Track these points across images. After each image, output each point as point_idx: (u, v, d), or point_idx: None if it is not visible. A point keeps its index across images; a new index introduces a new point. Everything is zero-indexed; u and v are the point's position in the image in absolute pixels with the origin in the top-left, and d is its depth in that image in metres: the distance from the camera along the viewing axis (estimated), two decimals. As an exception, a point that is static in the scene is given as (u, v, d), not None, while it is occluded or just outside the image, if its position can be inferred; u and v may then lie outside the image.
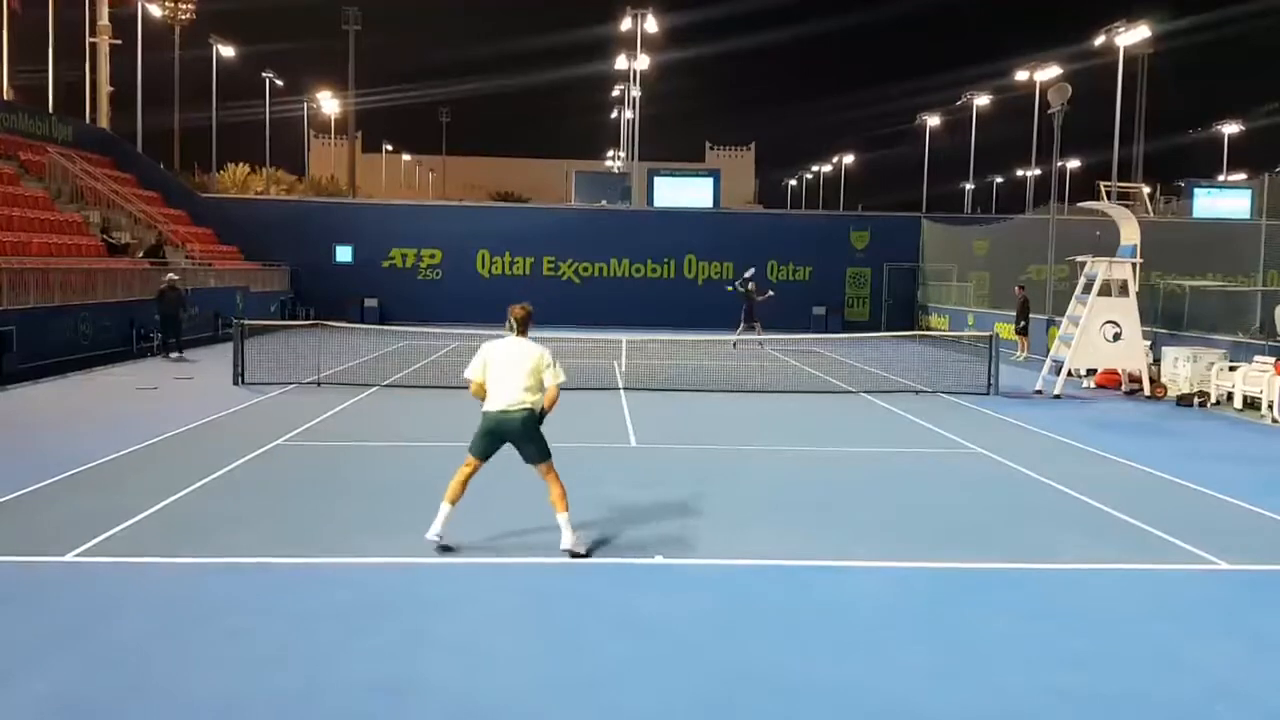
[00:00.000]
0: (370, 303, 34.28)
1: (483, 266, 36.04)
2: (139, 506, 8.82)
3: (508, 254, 36.04)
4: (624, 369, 19.81)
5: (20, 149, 29.24)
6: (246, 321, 18.59)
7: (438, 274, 35.93)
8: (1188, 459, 12.42)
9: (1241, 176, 59.00)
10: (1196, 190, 41.66)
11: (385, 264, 35.68)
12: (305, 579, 7.19)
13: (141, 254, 27.83)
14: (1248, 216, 34.19)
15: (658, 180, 38.30)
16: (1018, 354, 25.16)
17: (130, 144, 38.92)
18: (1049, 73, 48.53)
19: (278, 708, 5.19)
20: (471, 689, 5.44)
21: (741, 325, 26.62)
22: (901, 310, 36.20)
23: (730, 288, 28.98)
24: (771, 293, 27.61)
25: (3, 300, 18.86)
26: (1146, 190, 39.06)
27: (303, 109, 70.94)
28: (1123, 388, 19.06)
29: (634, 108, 48.17)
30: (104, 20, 42.40)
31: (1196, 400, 17.27)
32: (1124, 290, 18.53)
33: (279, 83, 59.79)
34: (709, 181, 38.80)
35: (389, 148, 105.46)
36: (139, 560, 7.48)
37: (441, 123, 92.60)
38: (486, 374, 7.65)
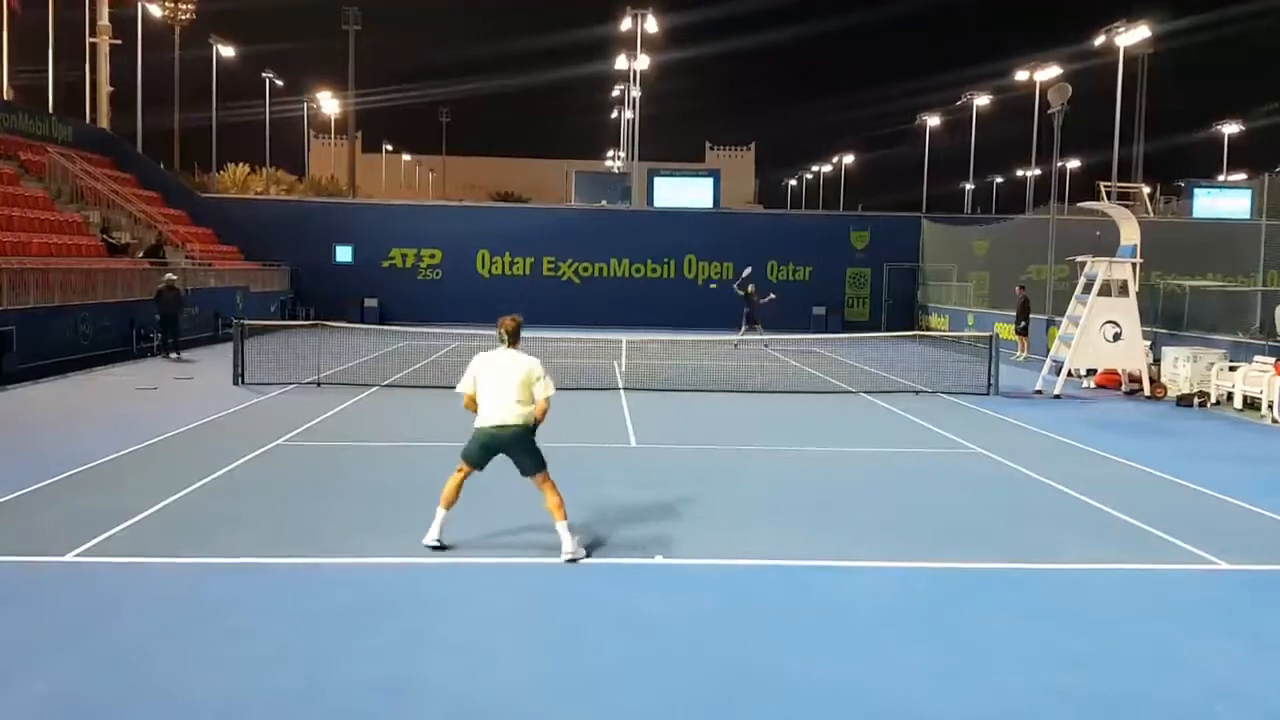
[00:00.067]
0: (370, 303, 34.28)
1: (483, 266, 36.04)
2: (139, 506, 8.82)
3: (508, 254, 36.04)
4: (624, 369, 19.81)
5: (20, 149, 29.24)
6: (246, 321, 18.59)
7: (438, 274, 35.93)
8: (1188, 459, 12.42)
9: (1241, 176, 59.02)
10: (1196, 190, 41.65)
11: (385, 264, 35.68)
12: (305, 579, 7.19)
13: (141, 254, 27.83)
14: (1248, 216, 34.18)
15: (658, 180, 38.29)
16: (1018, 354, 25.16)
17: (130, 144, 38.93)
18: (1049, 73, 48.54)
19: (278, 708, 5.19)
20: (471, 689, 5.44)
21: (744, 327, 26.64)
22: (901, 310, 36.20)
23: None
24: (773, 295, 27.57)
25: (3, 300, 18.86)
26: (1146, 190, 39.11)
27: (303, 109, 71.00)
28: (1123, 388, 19.06)
29: (634, 108, 48.19)
30: (104, 20, 42.41)
31: (1196, 400, 17.27)
32: (1124, 290, 18.53)
33: (279, 83, 59.81)
34: (709, 181, 38.79)
35: (389, 148, 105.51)
36: (139, 560, 7.48)
37: (441, 123, 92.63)
38: (477, 387, 7.66)
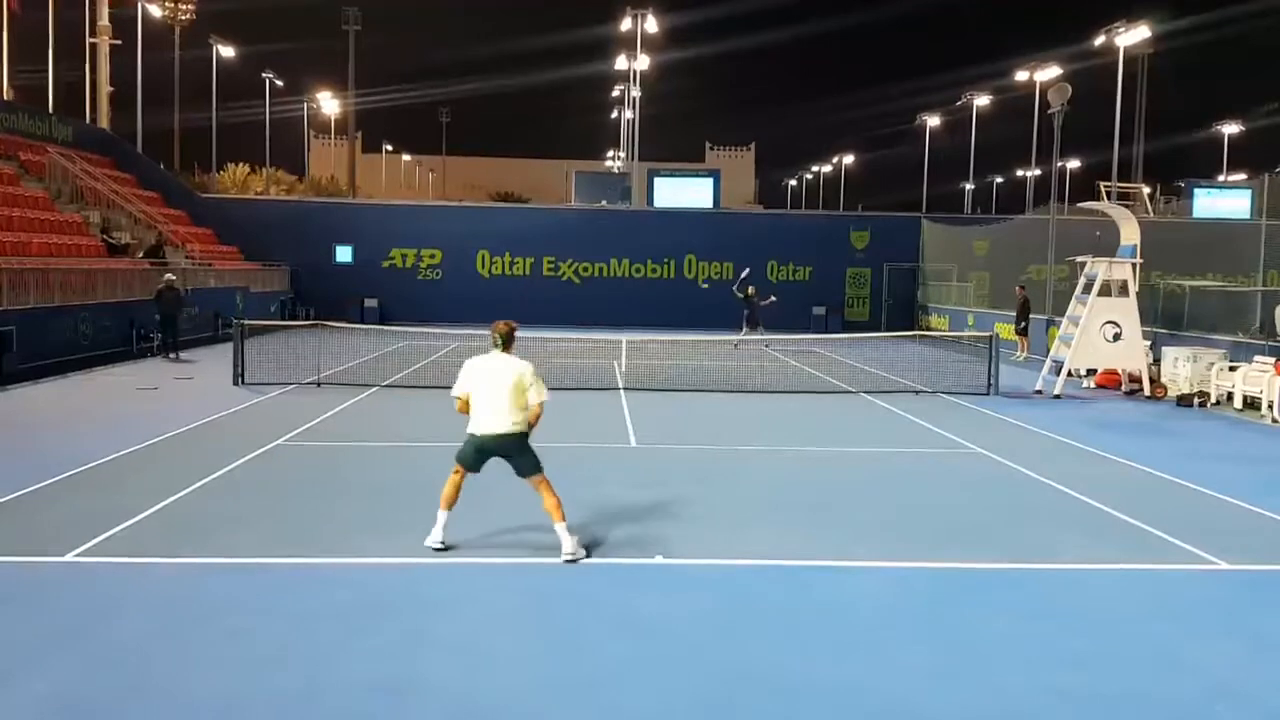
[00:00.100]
0: (370, 303, 34.29)
1: (483, 267, 36.04)
2: (139, 506, 8.82)
3: (508, 254, 36.04)
4: (624, 369, 19.81)
5: (20, 149, 29.24)
6: (246, 321, 18.59)
7: (438, 274, 35.93)
8: (1188, 459, 12.42)
9: (1241, 176, 59.00)
10: (1196, 190, 41.64)
11: (385, 264, 35.69)
12: (305, 579, 7.19)
13: (141, 254, 27.83)
14: (1248, 216, 34.18)
15: (658, 180, 38.28)
16: (1018, 354, 25.16)
17: (130, 144, 38.92)
18: (1049, 73, 48.52)
19: (278, 708, 5.19)
20: (471, 689, 5.44)
21: (745, 329, 26.66)
22: (901, 310, 36.20)
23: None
24: (774, 298, 27.56)
25: (3, 300, 18.86)
26: (1146, 190, 39.10)
27: (303, 109, 70.94)
28: (1123, 388, 19.06)
29: (634, 108, 48.19)
30: (104, 20, 42.41)
31: (1196, 400, 17.27)
32: (1124, 290, 18.53)
33: (279, 83, 59.75)
34: (709, 182, 38.78)
35: (389, 148, 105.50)
36: (139, 560, 7.48)
37: (441, 123, 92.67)
38: (471, 391, 7.67)
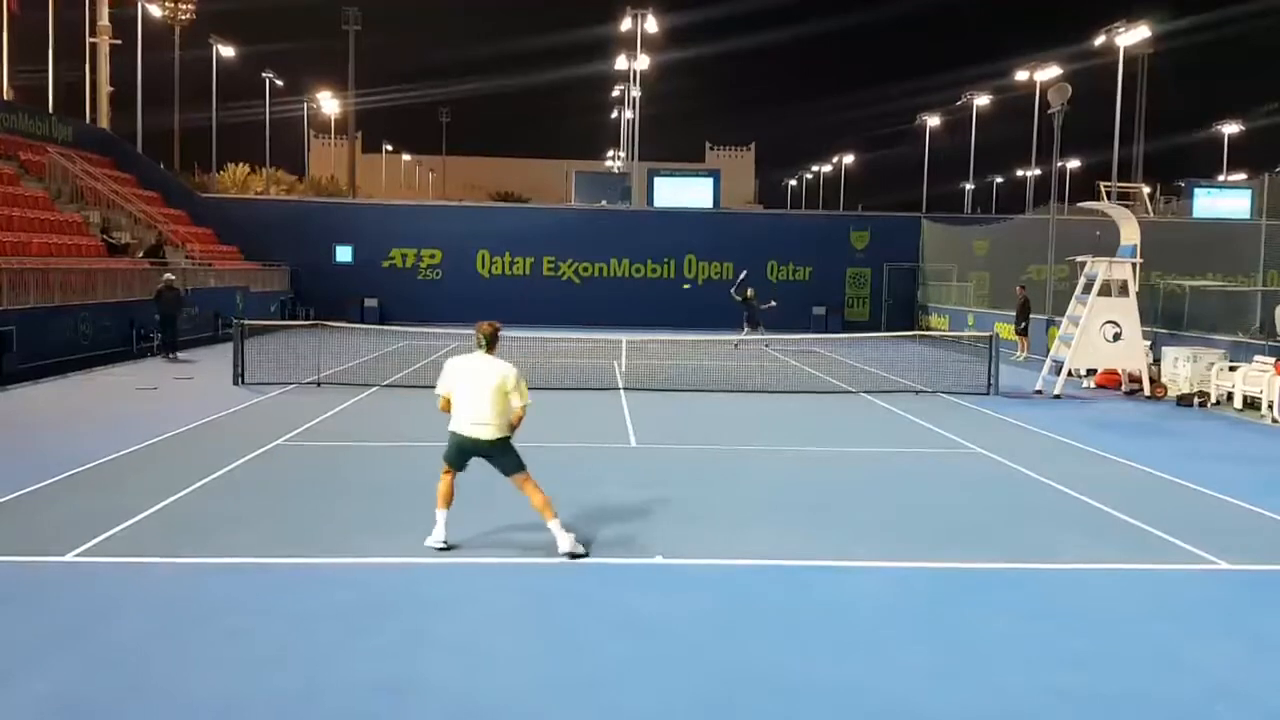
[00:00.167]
0: (370, 303, 34.27)
1: (483, 267, 36.04)
2: (139, 506, 8.82)
3: (508, 254, 36.03)
4: (624, 369, 19.81)
5: (20, 149, 29.24)
6: (246, 321, 18.59)
7: (438, 274, 35.93)
8: (1188, 459, 12.42)
9: (1241, 176, 59.01)
10: (1196, 190, 41.64)
11: (385, 264, 35.68)
12: (305, 579, 7.19)
13: (141, 254, 27.83)
14: (1248, 216, 34.18)
15: (658, 180, 38.28)
16: (1018, 354, 25.15)
17: (130, 144, 38.93)
18: (1049, 73, 48.52)
19: (278, 708, 5.19)
20: (471, 689, 5.44)
21: (745, 329, 26.69)
22: (901, 310, 36.19)
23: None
24: (774, 302, 27.55)
25: (3, 300, 18.86)
26: (1146, 190, 39.09)
27: (303, 109, 70.96)
28: (1123, 388, 19.06)
29: (634, 108, 48.19)
30: (104, 20, 42.40)
31: (1196, 400, 17.27)
32: (1124, 290, 18.53)
33: (279, 83, 59.78)
34: (709, 182, 38.79)
35: (389, 148, 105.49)
36: (139, 560, 7.48)
37: (441, 123, 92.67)
38: (453, 390, 7.70)
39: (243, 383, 16.97)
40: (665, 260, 36.29)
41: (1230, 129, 67.32)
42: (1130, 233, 19.17)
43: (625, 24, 45.72)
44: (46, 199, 27.52)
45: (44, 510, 8.83)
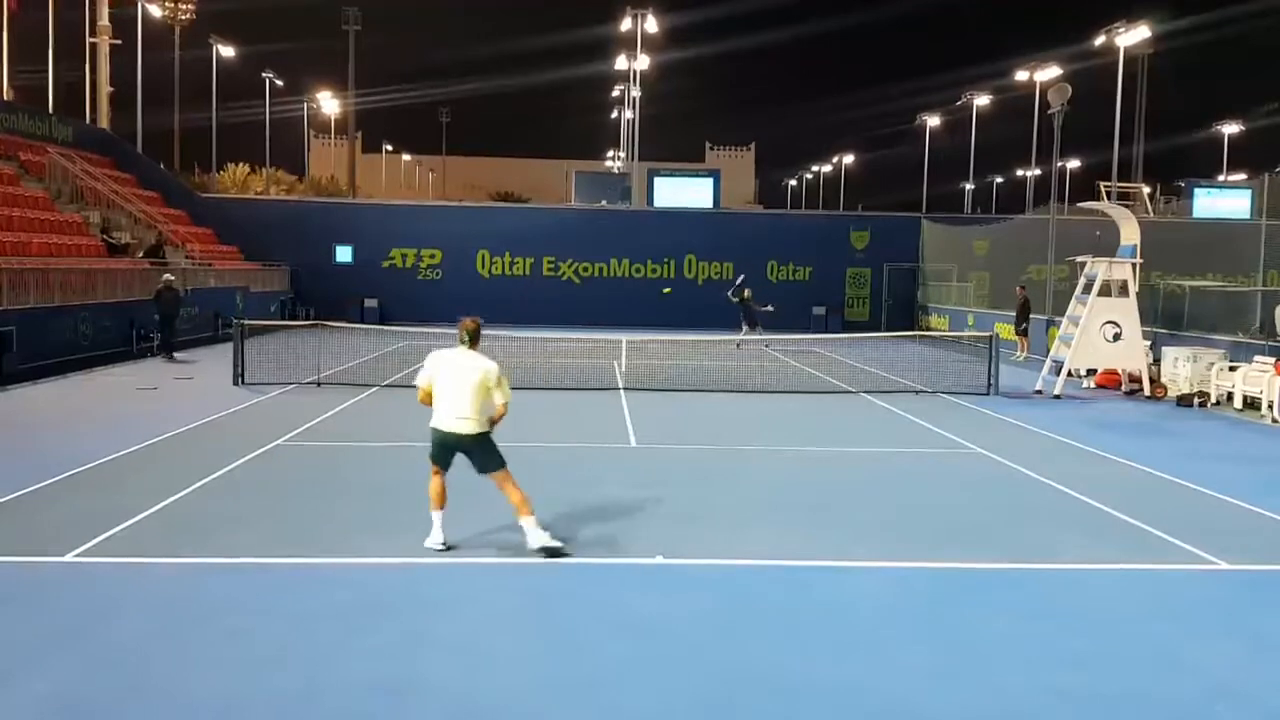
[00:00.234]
0: (370, 303, 34.27)
1: (483, 267, 36.04)
2: (139, 506, 8.82)
3: (508, 254, 36.04)
4: (624, 369, 19.81)
5: (20, 149, 29.24)
6: (246, 321, 18.58)
7: (438, 274, 35.93)
8: (1188, 459, 12.42)
9: (1241, 176, 58.99)
10: (1196, 190, 41.65)
11: (385, 264, 35.68)
12: (305, 579, 7.19)
13: (141, 254, 27.83)
14: (1248, 216, 34.18)
15: (658, 180, 38.29)
16: (1018, 354, 25.16)
17: (130, 144, 38.92)
18: (1049, 73, 48.49)
19: (278, 708, 5.19)
20: (471, 689, 5.44)
21: (744, 329, 26.72)
22: (901, 310, 36.19)
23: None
24: (770, 307, 27.59)
25: (3, 300, 18.86)
26: (1146, 190, 39.09)
27: (303, 109, 70.94)
28: (1123, 388, 19.06)
29: (634, 108, 48.19)
30: (104, 20, 42.39)
31: (1196, 400, 17.27)
32: (1124, 290, 18.53)
33: (279, 83, 59.76)
34: (709, 182, 38.79)
35: (389, 148, 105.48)
36: (139, 560, 7.49)
37: (441, 123, 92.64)
38: (435, 384, 7.74)
39: (243, 383, 16.96)
40: (665, 260, 36.28)
41: (1230, 129, 67.31)
42: (1130, 233, 19.17)
43: (625, 24, 45.74)
44: (46, 199, 27.52)
45: (44, 510, 8.83)
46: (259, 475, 10.44)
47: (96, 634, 6.07)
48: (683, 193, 37.84)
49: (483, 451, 7.73)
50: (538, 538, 7.60)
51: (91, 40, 42.70)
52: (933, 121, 67.69)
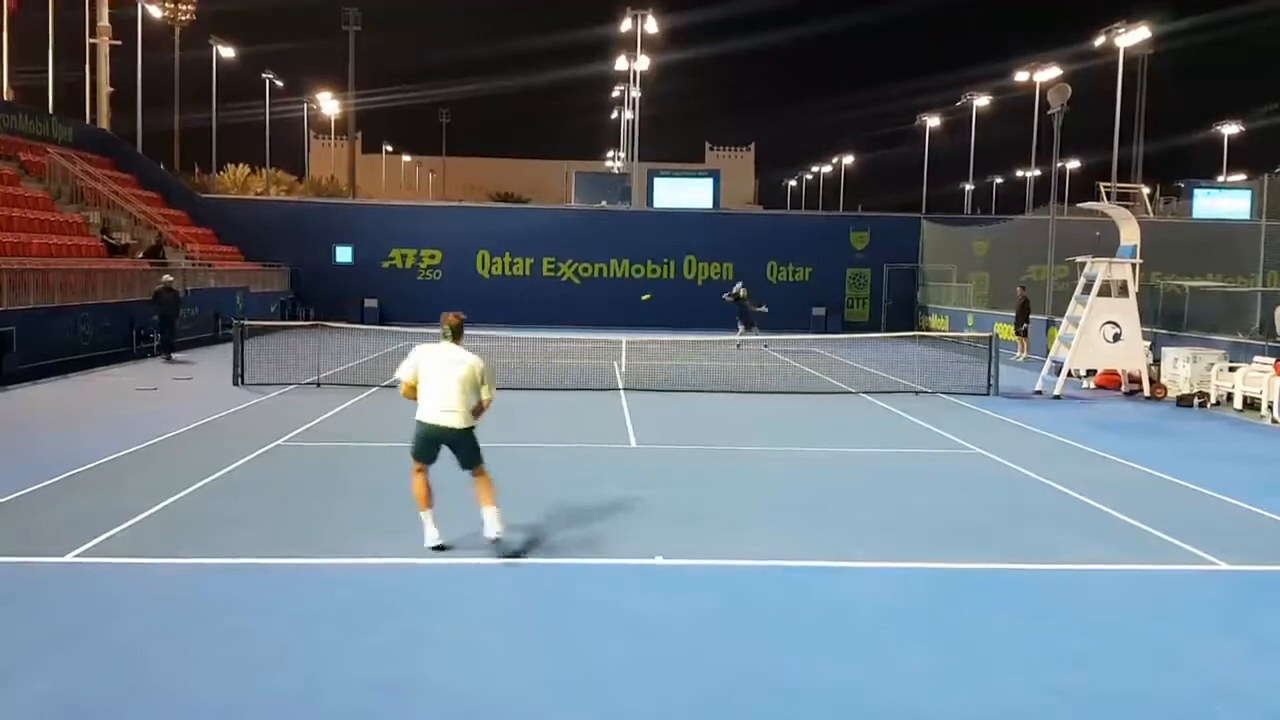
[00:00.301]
0: (370, 303, 34.28)
1: (483, 267, 36.04)
2: (139, 506, 8.82)
3: (508, 254, 36.04)
4: (624, 369, 19.81)
5: (20, 149, 29.24)
6: (246, 322, 18.58)
7: (438, 274, 35.93)
8: (1188, 459, 12.42)
9: (1241, 177, 59.04)
10: (1196, 191, 41.66)
11: (385, 264, 35.68)
12: (305, 579, 7.19)
13: (141, 254, 27.83)
14: (1248, 217, 34.18)
15: (657, 181, 38.28)
16: (1017, 354, 25.15)
17: (130, 144, 38.92)
18: (1049, 73, 48.51)
19: (278, 708, 5.19)
20: (471, 689, 5.44)
21: (741, 328, 26.73)
22: (901, 311, 36.18)
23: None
24: (764, 308, 27.61)
25: (3, 300, 18.86)
26: (1146, 191, 39.06)
27: (303, 109, 70.95)
28: (1123, 388, 19.06)
29: (634, 108, 48.21)
30: (104, 21, 42.41)
31: (1196, 401, 17.27)
32: (1124, 291, 18.53)
33: (279, 83, 59.75)
34: (709, 182, 38.78)
35: (389, 148, 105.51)
36: (139, 560, 7.48)
37: (441, 123, 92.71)
38: (419, 379, 7.75)
39: (242, 383, 16.96)
40: (665, 261, 36.29)
41: (1230, 129, 67.34)
42: (1130, 233, 19.17)
43: (625, 24, 45.76)
44: (46, 199, 27.52)
45: (44, 510, 8.83)
46: (259, 475, 10.44)
47: (96, 634, 6.07)
48: (682, 193, 37.84)
49: (468, 446, 7.76)
50: (492, 530, 7.63)
51: (91, 40, 42.73)
52: (933, 122, 67.73)
